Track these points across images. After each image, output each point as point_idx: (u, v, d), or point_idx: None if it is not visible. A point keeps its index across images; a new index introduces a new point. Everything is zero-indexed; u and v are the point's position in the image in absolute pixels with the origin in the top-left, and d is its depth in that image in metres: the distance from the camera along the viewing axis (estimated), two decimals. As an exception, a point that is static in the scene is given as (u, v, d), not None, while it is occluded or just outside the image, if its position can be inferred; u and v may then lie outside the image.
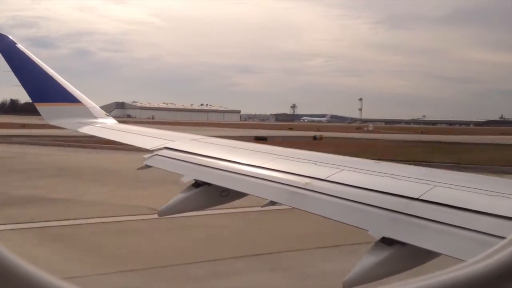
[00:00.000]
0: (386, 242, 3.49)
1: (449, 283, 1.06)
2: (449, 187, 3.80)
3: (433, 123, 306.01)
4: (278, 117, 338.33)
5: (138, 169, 6.53)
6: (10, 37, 9.94)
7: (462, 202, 3.45)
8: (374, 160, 5.34)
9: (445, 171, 4.73)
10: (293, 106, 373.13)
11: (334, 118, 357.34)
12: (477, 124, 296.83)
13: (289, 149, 6.33)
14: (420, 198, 3.66)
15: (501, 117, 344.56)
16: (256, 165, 5.25)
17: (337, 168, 4.71)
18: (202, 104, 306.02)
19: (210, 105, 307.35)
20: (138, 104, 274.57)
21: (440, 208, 3.49)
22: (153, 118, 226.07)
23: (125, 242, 15.02)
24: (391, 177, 4.27)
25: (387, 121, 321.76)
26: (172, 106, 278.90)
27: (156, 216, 5.80)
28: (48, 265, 11.53)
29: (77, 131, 9.42)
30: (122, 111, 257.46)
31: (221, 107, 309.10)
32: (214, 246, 14.60)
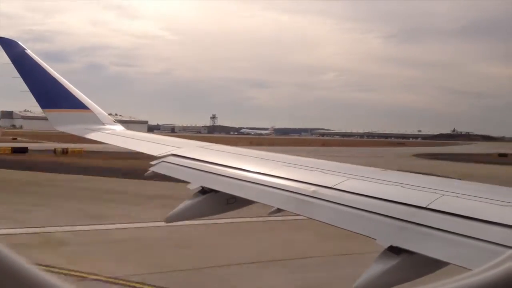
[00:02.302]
0: (394, 250, 3.47)
1: None
2: (457, 196, 3.78)
3: (386, 136, 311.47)
4: (215, 128, 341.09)
5: (145, 175, 6.55)
6: (20, 43, 10.02)
7: (470, 212, 3.43)
8: (382, 169, 5.33)
9: (454, 180, 4.71)
10: (213, 117, 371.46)
11: (279, 131, 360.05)
12: (425, 137, 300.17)
13: (295, 157, 6.33)
14: (428, 207, 3.65)
15: (453, 130, 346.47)
16: (263, 172, 5.25)
17: (344, 176, 4.70)
18: (110, 114, 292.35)
19: (120, 115, 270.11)
20: (29, 114, 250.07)
21: (448, 217, 3.47)
22: (21, 127, 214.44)
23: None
24: (399, 186, 4.26)
25: (343, 134, 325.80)
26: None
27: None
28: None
29: (84, 137, 9.47)
30: (9, 121, 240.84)
31: (131, 117, 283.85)
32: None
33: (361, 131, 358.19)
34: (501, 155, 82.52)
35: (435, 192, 3.90)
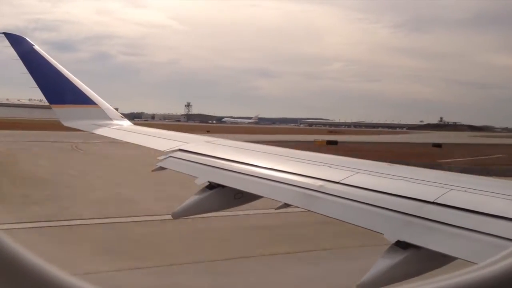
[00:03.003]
0: (401, 245, 3.47)
1: (461, 285, 1.05)
2: (465, 191, 3.77)
3: (373, 126, 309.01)
4: (194, 117, 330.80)
5: (153, 171, 6.58)
6: (28, 39, 10.09)
7: (478, 206, 3.41)
8: (388, 163, 5.32)
9: (461, 175, 4.69)
10: (188, 105, 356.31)
11: (266, 120, 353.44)
12: (411, 127, 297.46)
13: (302, 152, 6.34)
14: (435, 201, 3.64)
15: (440, 120, 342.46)
16: (270, 167, 5.26)
17: (350, 171, 4.69)
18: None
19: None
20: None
21: (456, 211, 3.46)
22: None
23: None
24: (406, 180, 4.25)
25: (331, 124, 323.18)
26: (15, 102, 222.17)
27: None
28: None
29: (92, 133, 9.53)
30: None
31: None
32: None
33: (349, 121, 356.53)
34: (330, 142, 75.46)
35: (442, 187, 3.89)
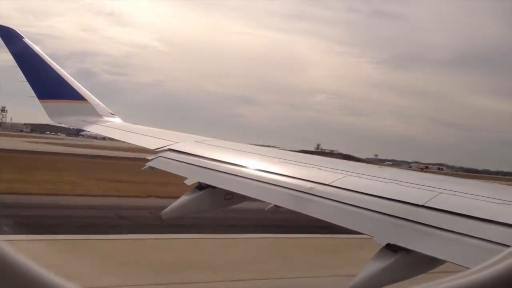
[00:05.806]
0: (391, 248, 3.48)
1: None
2: (455, 194, 3.78)
3: None
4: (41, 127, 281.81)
5: (143, 170, 6.54)
6: (18, 31, 9.92)
7: (467, 210, 3.43)
8: (379, 166, 5.33)
9: (451, 178, 4.71)
10: (2, 110, 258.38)
11: None
12: None
13: (293, 153, 6.33)
14: (425, 205, 3.65)
15: (317, 148, 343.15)
16: (261, 168, 5.25)
17: (341, 173, 4.70)
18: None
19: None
20: None
21: (445, 215, 3.48)
22: None
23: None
24: (396, 183, 4.26)
25: None
26: None
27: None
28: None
29: (82, 130, 9.43)
30: None
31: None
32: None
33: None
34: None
35: (432, 190, 3.90)
